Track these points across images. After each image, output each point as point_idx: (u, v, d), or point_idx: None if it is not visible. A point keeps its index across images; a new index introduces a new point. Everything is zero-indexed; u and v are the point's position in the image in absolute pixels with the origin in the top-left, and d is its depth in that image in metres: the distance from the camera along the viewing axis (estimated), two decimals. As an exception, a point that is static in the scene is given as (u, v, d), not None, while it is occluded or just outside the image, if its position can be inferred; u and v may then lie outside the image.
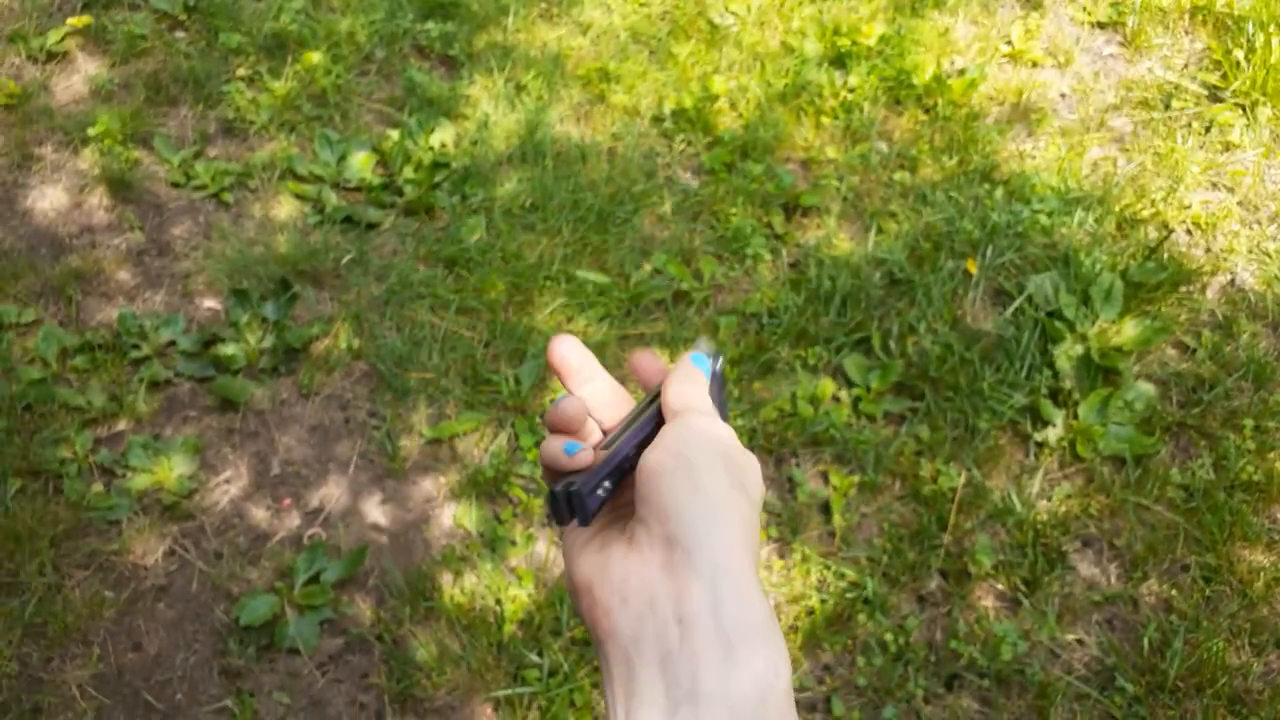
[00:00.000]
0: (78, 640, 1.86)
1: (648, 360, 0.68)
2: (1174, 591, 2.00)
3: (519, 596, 1.92)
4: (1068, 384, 2.24)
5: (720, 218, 2.62)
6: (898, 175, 2.73)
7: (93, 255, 2.49)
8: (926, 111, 2.90)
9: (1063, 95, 3.00)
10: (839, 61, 3.02)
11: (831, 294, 2.42)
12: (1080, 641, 1.95)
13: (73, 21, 3.01)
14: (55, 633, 1.84)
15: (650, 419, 0.62)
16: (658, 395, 0.63)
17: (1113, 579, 2.03)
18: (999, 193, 2.65)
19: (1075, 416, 2.21)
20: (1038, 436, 2.19)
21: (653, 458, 0.55)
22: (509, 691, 1.80)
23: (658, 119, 2.88)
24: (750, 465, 0.57)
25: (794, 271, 2.52)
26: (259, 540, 2.03)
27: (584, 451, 0.59)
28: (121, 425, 2.16)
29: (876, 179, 2.74)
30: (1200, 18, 3.11)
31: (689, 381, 0.62)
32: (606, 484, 0.58)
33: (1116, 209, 2.62)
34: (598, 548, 0.56)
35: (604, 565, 0.54)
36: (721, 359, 0.67)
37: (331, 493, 2.11)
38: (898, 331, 2.35)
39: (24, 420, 2.12)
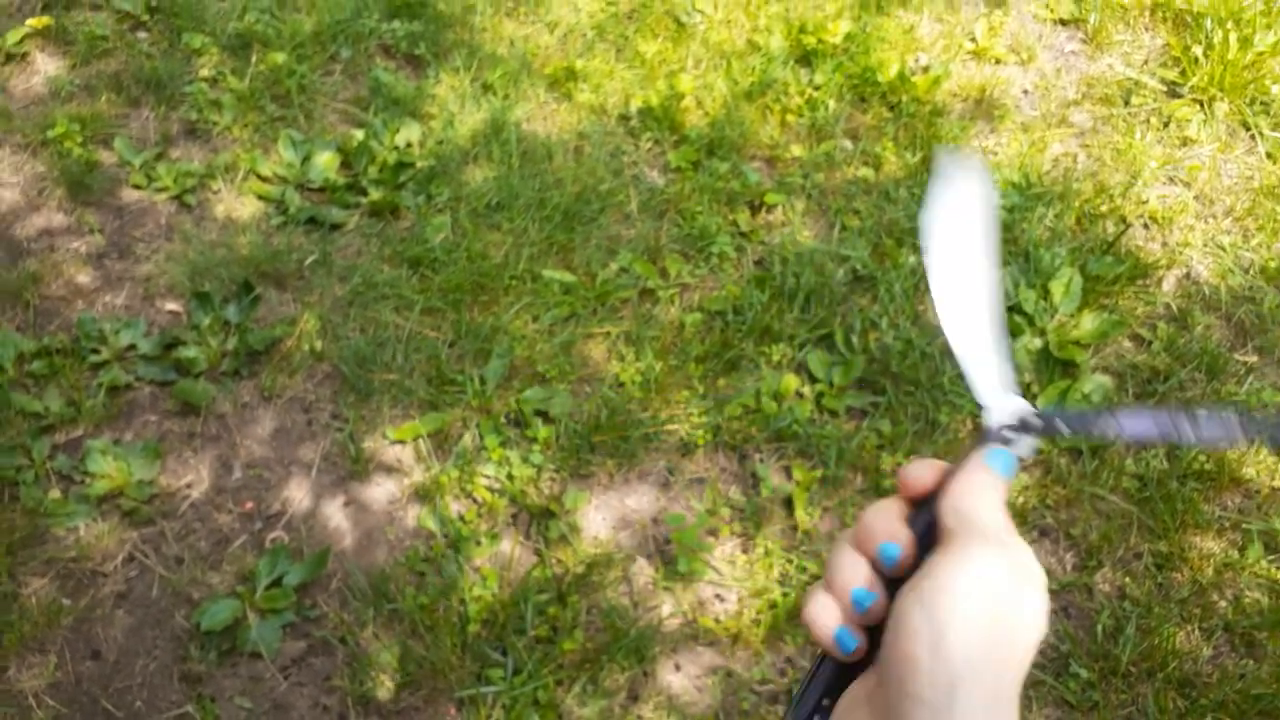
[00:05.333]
0: (34, 649, 1.84)
1: (923, 472, 0.56)
2: (1127, 579, 2.03)
3: (483, 596, 1.92)
4: (1027, 377, 2.26)
5: (686, 216, 2.62)
6: (862, 172, 2.75)
7: (51, 259, 2.47)
8: (891, 109, 2.92)
9: (1025, 92, 3.03)
10: (805, 59, 3.03)
11: (795, 291, 2.43)
12: (1041, 633, 1.97)
13: (32, 22, 2.97)
14: (11, 642, 1.83)
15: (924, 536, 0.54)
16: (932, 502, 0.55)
17: (1069, 568, 2.06)
18: (961, 189, 2.67)
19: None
20: (999, 430, 2.21)
21: (901, 607, 0.50)
22: (473, 691, 1.80)
23: (624, 117, 2.88)
24: (1027, 605, 0.50)
25: (759, 269, 2.53)
26: (220, 544, 2.01)
27: (877, 603, 0.54)
28: (80, 430, 2.14)
29: (841, 176, 2.75)
30: (1160, 14, 3.14)
31: (974, 493, 0.53)
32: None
33: (1076, 204, 2.65)
34: (864, 702, 0.53)
35: None
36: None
37: (294, 495, 2.10)
38: (860, 327, 2.36)
39: (-19, 426, 2.10)
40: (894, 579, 0.54)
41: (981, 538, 0.51)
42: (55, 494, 2.04)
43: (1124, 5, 3.16)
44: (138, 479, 2.07)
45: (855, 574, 0.54)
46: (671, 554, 2.02)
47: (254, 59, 2.93)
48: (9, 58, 2.91)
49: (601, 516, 2.08)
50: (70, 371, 2.22)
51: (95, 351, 2.26)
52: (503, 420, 2.19)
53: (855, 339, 2.35)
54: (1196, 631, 1.98)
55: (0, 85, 2.86)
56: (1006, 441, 0.56)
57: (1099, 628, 1.96)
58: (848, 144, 2.83)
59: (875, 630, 0.54)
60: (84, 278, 2.44)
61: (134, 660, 1.85)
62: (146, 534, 2.01)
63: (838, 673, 0.55)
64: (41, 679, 1.81)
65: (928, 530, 0.54)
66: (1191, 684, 1.90)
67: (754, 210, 2.67)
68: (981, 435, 0.57)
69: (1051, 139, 2.85)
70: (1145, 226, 2.67)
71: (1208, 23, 2.98)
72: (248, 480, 2.13)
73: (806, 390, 2.29)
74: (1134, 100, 2.92)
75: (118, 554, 1.98)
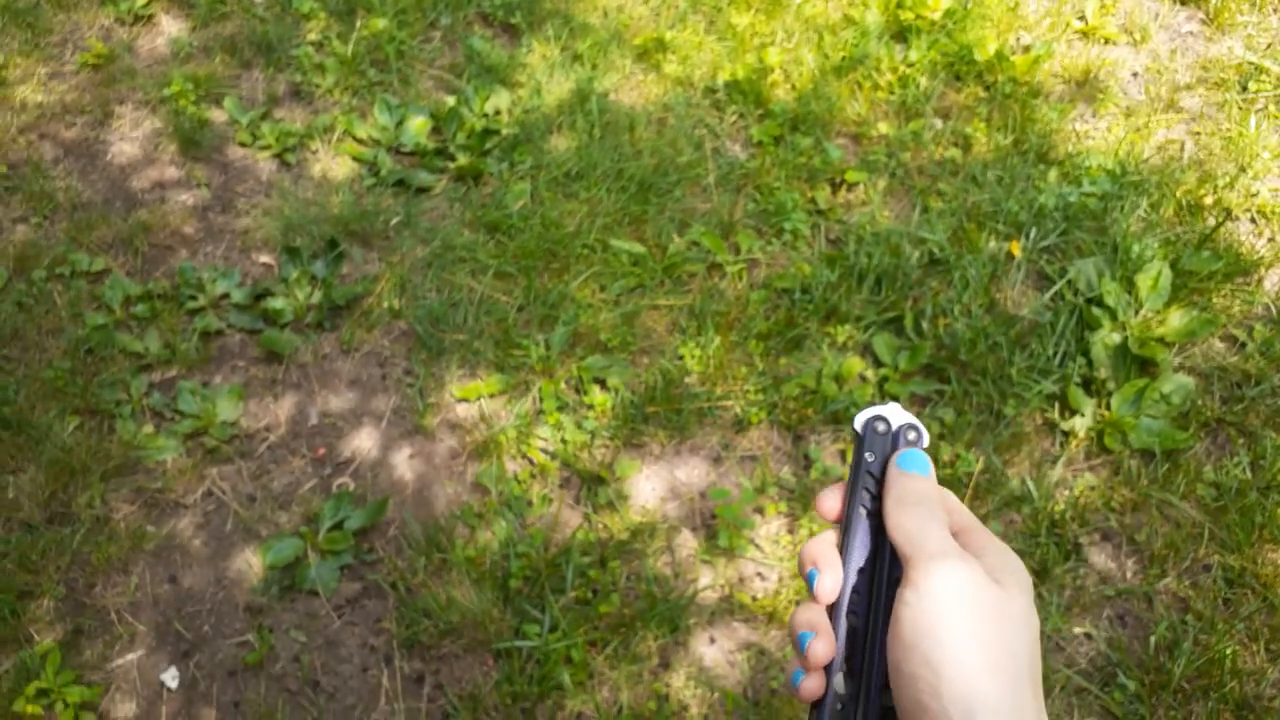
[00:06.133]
0: (119, 570, 2.00)
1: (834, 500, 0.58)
2: (1192, 591, 1.95)
3: (528, 554, 1.98)
4: (1102, 373, 2.19)
5: (764, 191, 2.61)
6: (950, 153, 2.68)
7: (161, 209, 2.63)
8: (986, 88, 2.83)
9: (1135, 74, 2.89)
10: (900, 35, 2.97)
11: (867, 271, 2.40)
12: (1089, 635, 1.92)
13: (158, -15, 3.15)
14: (99, 561, 1.99)
15: (872, 559, 0.56)
16: (875, 511, 0.56)
17: (1129, 574, 1.99)
18: (1052, 174, 2.58)
19: (1107, 407, 2.16)
20: (1064, 425, 2.15)
21: (893, 658, 0.50)
22: (510, 644, 1.88)
23: (711, 90, 2.88)
24: (1010, 604, 0.50)
25: (832, 248, 2.50)
26: (291, 486, 2.14)
27: (816, 641, 0.54)
28: (174, 371, 2.30)
29: (928, 156, 2.69)
30: (1292, -6, 2.94)
31: (909, 505, 0.54)
32: (839, 689, 0.55)
33: (1177, 194, 2.52)
34: None
35: None
36: (926, 435, 0.59)
37: (363, 445, 2.21)
38: (931, 312, 2.32)
39: (86, 362, 2.27)
40: (857, 610, 0.55)
41: (939, 556, 0.51)
42: (148, 428, 2.20)
43: (1252, -16, 2.97)
44: (222, 420, 2.21)
45: (801, 615, 0.56)
46: (716, 528, 2.04)
47: (358, 25, 3.04)
48: (137, 19, 3.10)
49: (651, 486, 2.12)
50: (169, 316, 2.38)
51: (193, 298, 2.42)
52: (563, 385, 2.25)
53: (925, 324, 2.31)
54: (1262, 653, 1.89)
55: (128, 45, 3.05)
56: (911, 441, 0.58)
57: (1154, 639, 1.90)
58: (938, 123, 2.76)
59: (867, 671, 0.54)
60: (189, 228, 2.60)
61: (205, 588, 1.99)
62: (225, 471, 2.15)
63: None
64: (123, 598, 1.97)
65: (864, 546, 0.56)
66: (1250, 707, 1.82)
67: (834, 188, 2.64)
68: (873, 439, 0.58)
69: (1157, 125, 2.71)
70: (1252, 221, 2.52)
71: (1344, 4, 2.78)
72: (322, 427, 2.24)
73: (870, 374, 2.26)
74: (1252, 86, 2.75)
75: (198, 488, 2.12)
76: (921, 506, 0.53)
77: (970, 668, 0.47)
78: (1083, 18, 2.98)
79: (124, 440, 2.16)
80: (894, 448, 0.58)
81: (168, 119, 2.83)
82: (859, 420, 0.59)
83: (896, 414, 0.59)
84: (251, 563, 2.01)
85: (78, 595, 1.96)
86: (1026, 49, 2.89)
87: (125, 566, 2.00)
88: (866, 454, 0.58)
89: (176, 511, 2.09)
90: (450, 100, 2.83)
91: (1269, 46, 2.85)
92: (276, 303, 2.40)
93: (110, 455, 2.13)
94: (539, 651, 1.86)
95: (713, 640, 1.92)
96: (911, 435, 0.58)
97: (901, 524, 0.53)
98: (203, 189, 2.69)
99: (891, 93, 2.83)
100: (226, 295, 2.43)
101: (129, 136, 2.81)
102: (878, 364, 2.28)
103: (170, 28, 3.11)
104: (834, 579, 0.55)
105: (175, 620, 1.94)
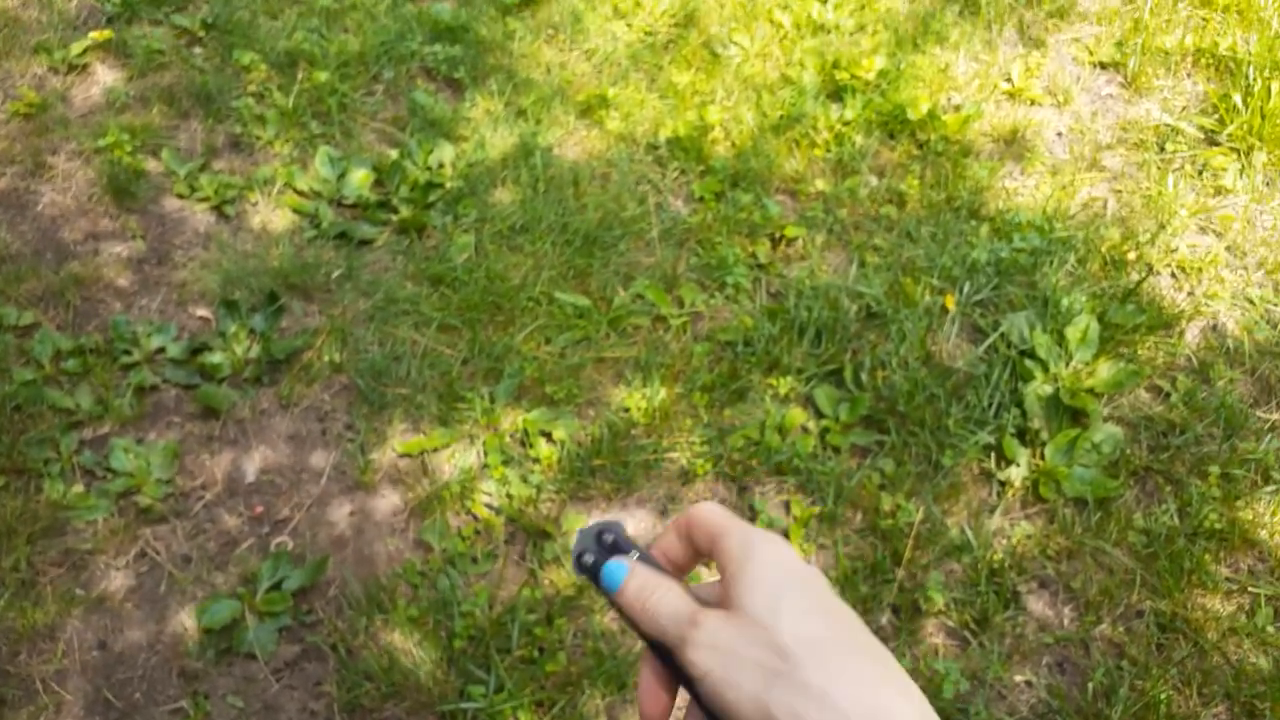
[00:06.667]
0: (46, 636, 1.93)
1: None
2: (1126, 637, 2.00)
3: (472, 613, 1.96)
4: (1035, 424, 2.25)
5: (706, 246, 2.65)
6: (885, 209, 2.76)
7: (94, 262, 2.58)
8: (919, 146, 2.92)
9: (1059, 134, 3.01)
10: (836, 94, 3.05)
11: (807, 324, 2.44)
12: (1029, 683, 1.95)
13: (95, 35, 3.12)
14: (24, 628, 1.92)
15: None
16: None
17: (1066, 621, 2.03)
18: (983, 230, 2.66)
19: (1041, 457, 2.22)
20: (1001, 475, 2.20)
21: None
22: (454, 706, 1.84)
23: (653, 146, 2.92)
24: (746, 610, 0.51)
25: (773, 301, 2.54)
26: (228, 546, 2.09)
27: None
28: (106, 428, 2.24)
29: (864, 212, 2.76)
30: (1202, 60, 3.10)
31: (637, 612, 0.55)
32: None
33: (1102, 250, 2.62)
34: None
35: None
36: (618, 525, 0.58)
37: (302, 502, 2.17)
38: (869, 365, 2.36)
39: (13, 420, 2.20)
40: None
41: (679, 642, 0.52)
42: (78, 488, 2.13)
43: (1165, 50, 3.12)
44: (156, 478, 2.16)
45: None
46: (662, 581, 2.04)
47: (300, 77, 3.04)
48: (71, 68, 3.06)
49: (597, 540, 2.11)
50: (102, 371, 2.32)
51: (127, 353, 2.36)
52: (508, 439, 2.24)
53: (864, 376, 2.35)
54: (1195, 697, 1.94)
55: (61, 94, 3.00)
56: (609, 546, 0.57)
57: (1091, 685, 1.94)
58: (873, 180, 2.83)
59: None
60: (123, 281, 2.55)
61: (137, 653, 1.93)
62: (159, 531, 2.09)
63: None
64: (49, 665, 1.90)
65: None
66: (1185, 748, 1.87)
67: (774, 243, 2.69)
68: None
69: (1081, 183, 2.82)
70: (1173, 275, 2.63)
71: (1249, 71, 2.93)
72: (260, 485, 2.20)
73: (811, 425, 2.30)
74: (1169, 146, 2.88)
75: (131, 549, 2.06)
76: (645, 608, 0.54)
77: (767, 694, 0.48)
78: (1009, 79, 3.10)
79: (52, 500, 2.09)
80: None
81: (102, 169, 2.78)
82: (576, 572, 0.59)
83: (587, 537, 0.58)
84: (186, 626, 1.95)
85: (1, 664, 1.88)
86: (957, 108, 3.00)
87: (52, 632, 1.93)
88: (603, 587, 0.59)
89: (107, 574, 2.02)
90: (393, 153, 2.83)
91: (1184, 109, 2.99)
92: (214, 357, 2.36)
93: (37, 516, 2.06)
94: (485, 713, 1.83)
95: (660, 697, 1.90)
96: (609, 539, 0.57)
97: (648, 631, 0.54)
98: (138, 241, 2.65)
99: (828, 150, 2.90)
100: (162, 349, 2.38)
101: (61, 187, 2.76)
102: (819, 415, 2.32)
103: (106, 77, 3.07)
104: (654, 703, 0.56)
105: (105, 688, 1.87)
